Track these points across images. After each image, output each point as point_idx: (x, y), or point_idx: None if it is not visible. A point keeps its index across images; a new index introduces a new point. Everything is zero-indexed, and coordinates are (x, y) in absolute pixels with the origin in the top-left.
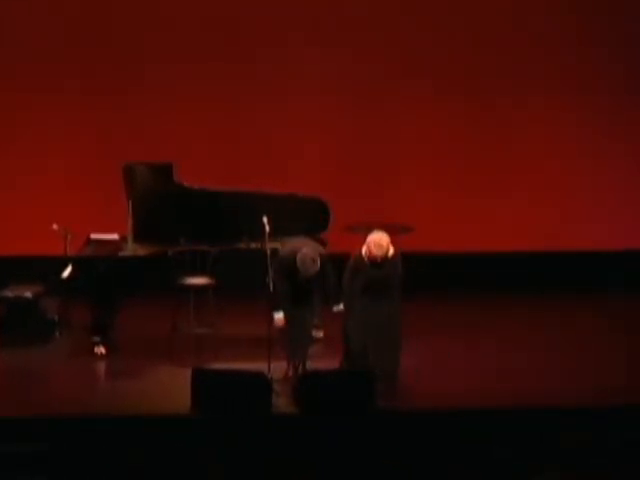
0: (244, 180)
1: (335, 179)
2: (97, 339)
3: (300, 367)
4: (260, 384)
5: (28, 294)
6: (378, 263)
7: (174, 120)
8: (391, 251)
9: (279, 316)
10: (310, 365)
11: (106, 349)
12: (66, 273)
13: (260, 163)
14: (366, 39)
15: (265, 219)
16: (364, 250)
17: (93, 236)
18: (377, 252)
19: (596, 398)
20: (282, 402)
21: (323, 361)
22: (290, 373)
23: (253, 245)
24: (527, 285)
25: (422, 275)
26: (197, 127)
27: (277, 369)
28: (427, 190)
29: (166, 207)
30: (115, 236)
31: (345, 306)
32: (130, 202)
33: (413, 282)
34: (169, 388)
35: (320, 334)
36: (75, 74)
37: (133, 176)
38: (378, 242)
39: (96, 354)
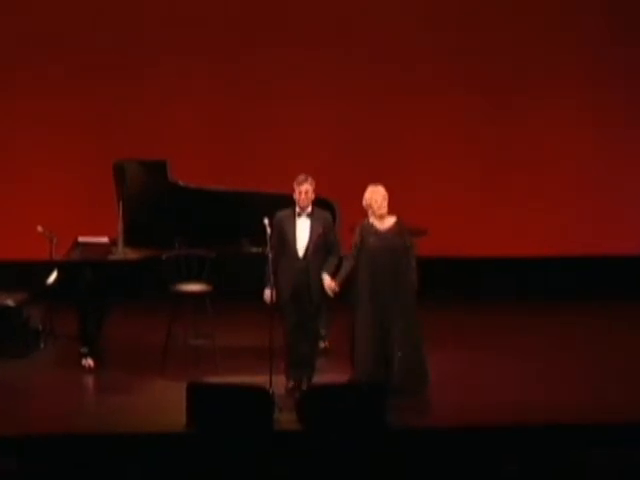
0: (244, 179)
1: (342, 178)
2: (85, 350)
3: (304, 383)
4: (261, 399)
5: (10, 302)
6: (383, 232)
7: (169, 116)
8: (392, 218)
9: (266, 291)
10: (315, 378)
11: (94, 362)
12: (51, 279)
13: (261, 161)
14: (372, 34)
15: (267, 221)
16: (368, 210)
17: (81, 239)
18: (377, 196)
19: (630, 414)
20: (285, 418)
21: (329, 374)
22: (290, 386)
23: (254, 249)
24: (548, 291)
25: (436, 280)
26: (193, 123)
27: (279, 383)
28: (440, 191)
29: (160, 208)
30: (104, 239)
31: (353, 298)
32: (121, 202)
33: (427, 287)
34: (163, 404)
35: (325, 344)
36: (63, 69)
37: (124, 174)
38: (374, 188)
39: (84, 367)
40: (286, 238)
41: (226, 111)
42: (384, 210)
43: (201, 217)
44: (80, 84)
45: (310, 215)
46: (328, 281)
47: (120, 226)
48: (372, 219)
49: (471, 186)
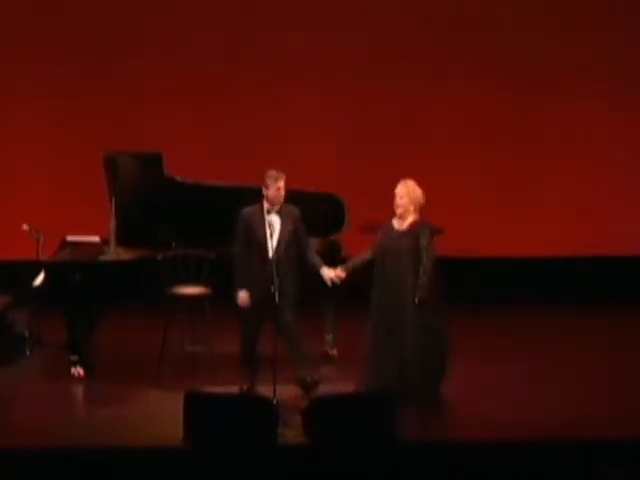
0: (245, 174)
1: (351, 174)
2: (74, 358)
3: (310, 385)
4: (264, 411)
5: None
6: (396, 233)
7: (164, 106)
8: (411, 218)
9: (241, 293)
10: (323, 389)
11: (84, 370)
12: (38, 281)
13: (263, 155)
14: (385, 24)
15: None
16: None
17: (70, 238)
18: (396, 194)
19: None
20: (290, 432)
21: (338, 384)
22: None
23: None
24: (571, 294)
25: (452, 282)
26: (190, 114)
27: (284, 393)
28: (456, 189)
29: (155, 204)
30: (95, 238)
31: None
32: (113, 198)
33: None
34: (158, 415)
35: (332, 352)
36: (48, 60)
37: (116, 168)
38: (398, 184)
39: (73, 376)
40: (255, 237)
41: (226, 102)
42: (400, 210)
43: (199, 215)
44: (68, 76)
45: (279, 212)
46: (330, 272)
47: (112, 224)
48: (395, 218)
49: (490, 184)
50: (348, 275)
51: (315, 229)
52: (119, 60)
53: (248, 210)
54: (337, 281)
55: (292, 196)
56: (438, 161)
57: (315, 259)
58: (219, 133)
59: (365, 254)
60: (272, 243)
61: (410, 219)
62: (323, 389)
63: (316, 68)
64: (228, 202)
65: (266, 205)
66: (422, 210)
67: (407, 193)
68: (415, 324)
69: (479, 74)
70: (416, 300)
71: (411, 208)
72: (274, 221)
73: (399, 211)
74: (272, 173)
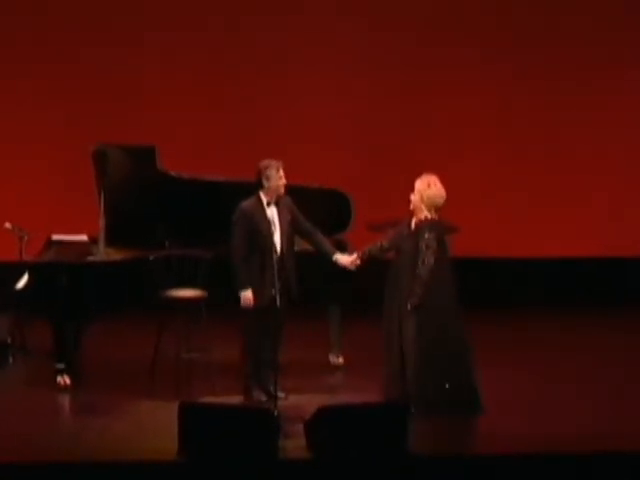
0: (244, 169)
1: (358, 169)
2: (60, 366)
3: (272, 388)
4: (264, 422)
5: None
6: (406, 231)
7: (157, 99)
8: (421, 216)
9: (246, 294)
10: (328, 399)
11: (71, 379)
12: (21, 283)
13: (264, 149)
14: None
15: None
16: None
17: (55, 237)
18: (416, 182)
19: None
20: (292, 445)
21: (344, 393)
22: (256, 397)
23: None
24: (603, 297)
25: (470, 284)
26: (185, 104)
27: (286, 404)
28: (474, 184)
29: (148, 201)
30: (83, 237)
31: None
32: (102, 195)
33: (460, 293)
34: (150, 427)
35: (339, 359)
36: (32, 46)
37: (106, 162)
38: (423, 175)
39: (59, 385)
40: (258, 232)
41: (226, 93)
42: (411, 205)
43: (195, 212)
44: (51, 67)
45: (276, 203)
46: (346, 258)
47: (101, 222)
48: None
49: (508, 178)
50: (364, 263)
51: (319, 228)
52: (108, 52)
53: (247, 204)
54: (353, 268)
55: (294, 192)
56: (451, 148)
57: (326, 244)
58: (218, 125)
59: (383, 241)
60: (276, 239)
61: (420, 216)
62: (329, 399)
63: (323, 60)
64: (226, 198)
65: (265, 198)
66: (440, 211)
67: (420, 190)
68: (415, 331)
69: (497, 65)
70: (409, 306)
71: (422, 206)
72: (273, 214)
73: (410, 207)
74: (272, 163)
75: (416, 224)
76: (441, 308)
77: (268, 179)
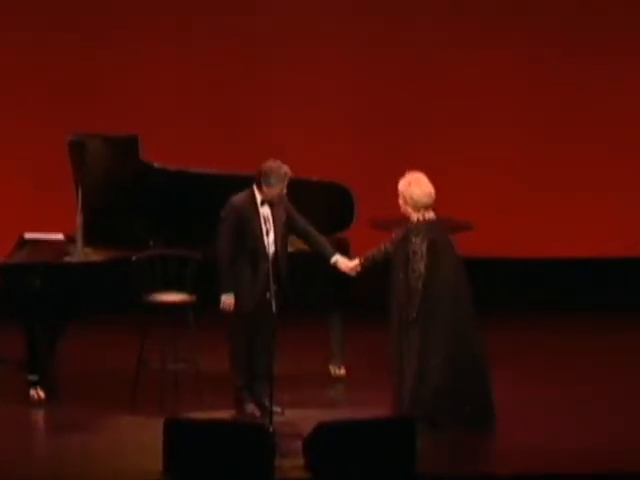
0: (238, 161)
1: (362, 161)
2: (33, 378)
3: (267, 401)
4: (258, 440)
5: None
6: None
7: (140, 85)
8: (413, 217)
9: (226, 298)
10: (328, 414)
11: (46, 392)
12: None
13: (258, 139)
14: None
15: None
16: None
17: (28, 236)
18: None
19: None
20: (289, 465)
21: (345, 408)
22: (250, 410)
23: None
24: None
25: (484, 286)
26: (172, 91)
27: (282, 419)
28: (487, 177)
29: (130, 196)
30: (59, 236)
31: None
32: (80, 189)
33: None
34: (133, 445)
35: (340, 371)
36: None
37: (84, 153)
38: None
39: (32, 399)
40: (248, 232)
41: (215, 78)
42: (401, 209)
43: (182, 208)
44: (26, 46)
45: (270, 202)
46: (347, 262)
47: (79, 219)
48: None
49: (527, 171)
50: (365, 270)
51: (318, 225)
52: (88, 33)
53: (238, 199)
54: (353, 274)
55: (293, 185)
56: (459, 151)
57: (324, 245)
58: (209, 113)
59: (387, 244)
60: (269, 240)
61: (410, 221)
62: (329, 415)
63: (323, 44)
64: (217, 193)
65: (260, 196)
66: (435, 208)
67: (402, 191)
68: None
69: (507, 57)
70: (407, 318)
71: (408, 209)
72: (268, 213)
73: (401, 211)
74: (281, 171)
75: (405, 229)
76: (446, 316)
77: (269, 186)
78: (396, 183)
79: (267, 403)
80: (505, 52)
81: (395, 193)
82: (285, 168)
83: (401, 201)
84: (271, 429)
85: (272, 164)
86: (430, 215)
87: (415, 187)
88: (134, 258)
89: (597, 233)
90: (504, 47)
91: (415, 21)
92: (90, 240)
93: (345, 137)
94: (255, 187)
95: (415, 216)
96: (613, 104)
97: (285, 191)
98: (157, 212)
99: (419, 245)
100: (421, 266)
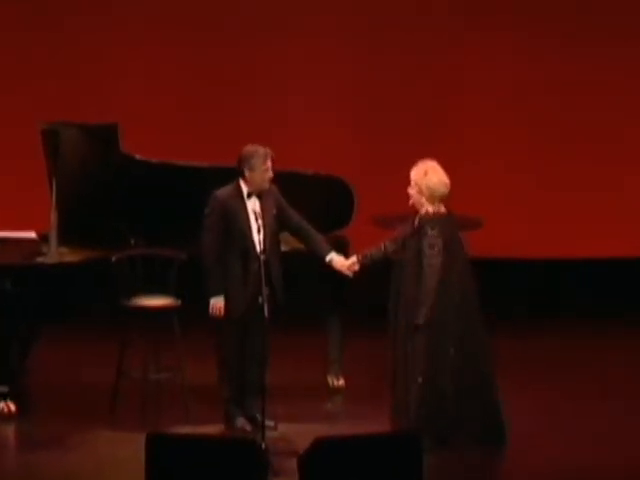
0: (224, 154)
1: (360, 152)
2: (3, 390)
3: (259, 416)
4: (249, 457)
5: None
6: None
7: (119, 69)
8: (425, 209)
9: (216, 301)
10: (325, 429)
11: (17, 405)
12: None
13: (248, 129)
14: None
15: None
16: None
17: None
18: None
19: None
20: None
21: (344, 422)
22: (239, 425)
23: None
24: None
25: (492, 287)
26: (154, 77)
27: (275, 434)
28: (498, 171)
29: (109, 190)
30: (31, 234)
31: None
32: (54, 183)
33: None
34: (113, 463)
35: (338, 382)
36: None
37: (58, 143)
38: (418, 163)
39: (2, 412)
40: (235, 228)
41: (203, 63)
42: (410, 201)
43: (166, 204)
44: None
45: (259, 195)
46: (344, 261)
47: (52, 216)
48: None
49: (540, 167)
50: (364, 269)
51: (314, 222)
52: (66, 20)
53: (223, 193)
54: (349, 274)
55: (284, 179)
56: (467, 143)
57: (319, 242)
58: (194, 102)
59: (387, 243)
60: (259, 237)
61: (423, 213)
62: (326, 430)
63: (321, 29)
64: (204, 188)
65: (245, 188)
66: (446, 201)
67: (416, 180)
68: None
69: (512, 50)
70: (415, 323)
71: (422, 199)
72: (256, 207)
73: (410, 202)
74: (259, 150)
75: (418, 221)
76: (454, 321)
77: (251, 169)
78: (399, 177)
79: (259, 417)
80: (515, 48)
81: (399, 187)
82: (266, 149)
83: (413, 191)
84: (263, 445)
85: (250, 147)
86: (443, 209)
87: (432, 175)
88: (114, 259)
89: (613, 233)
90: (516, 44)
91: (417, 18)
92: (65, 239)
93: (345, 129)
94: (240, 179)
95: (431, 208)
96: (626, 105)
97: (271, 175)
98: (139, 208)
99: (436, 238)
100: (438, 261)
